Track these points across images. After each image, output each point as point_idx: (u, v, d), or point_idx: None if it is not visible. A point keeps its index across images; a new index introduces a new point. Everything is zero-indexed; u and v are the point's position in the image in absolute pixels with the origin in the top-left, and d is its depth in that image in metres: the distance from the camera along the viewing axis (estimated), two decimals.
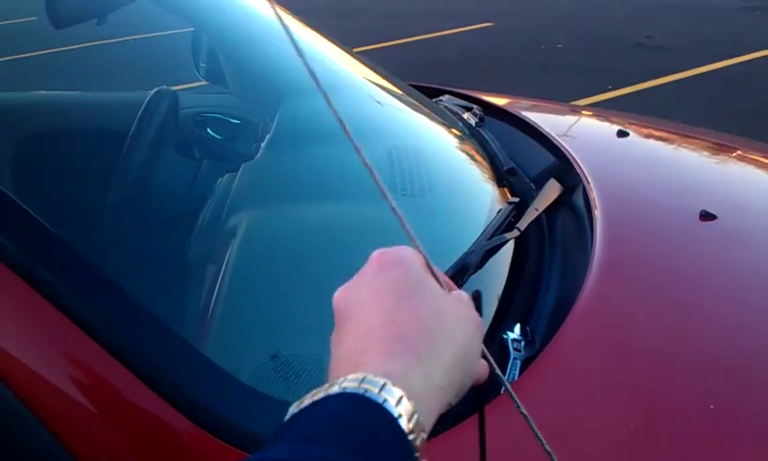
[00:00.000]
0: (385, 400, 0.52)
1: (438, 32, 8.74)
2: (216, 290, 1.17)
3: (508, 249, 1.41)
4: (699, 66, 6.94)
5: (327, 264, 1.27)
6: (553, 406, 1.06)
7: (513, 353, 1.17)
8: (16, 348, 0.86)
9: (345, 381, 0.54)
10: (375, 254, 0.65)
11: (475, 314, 0.66)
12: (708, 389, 1.09)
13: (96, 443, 0.87)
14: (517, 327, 1.22)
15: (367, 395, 0.52)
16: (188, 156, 1.97)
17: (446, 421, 1.01)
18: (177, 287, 1.29)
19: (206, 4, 2.25)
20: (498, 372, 0.69)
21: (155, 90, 1.86)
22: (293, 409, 0.54)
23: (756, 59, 7.18)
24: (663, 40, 8.00)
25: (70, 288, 0.88)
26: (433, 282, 0.65)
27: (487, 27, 9.11)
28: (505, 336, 1.20)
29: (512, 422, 1.00)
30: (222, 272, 1.21)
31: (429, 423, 0.55)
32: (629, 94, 6.27)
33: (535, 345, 1.19)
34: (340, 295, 0.65)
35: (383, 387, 0.53)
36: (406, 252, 0.66)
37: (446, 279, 0.67)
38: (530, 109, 2.17)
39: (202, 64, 2.34)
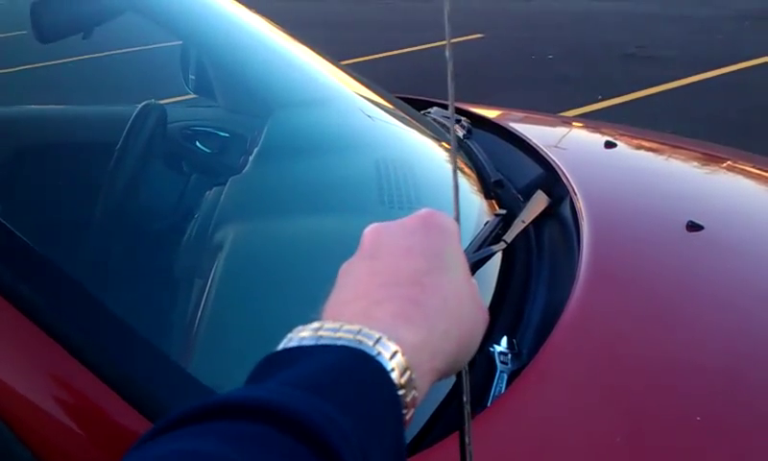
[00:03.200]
0: (379, 354, 0.51)
1: (428, 44, 8.76)
2: (202, 305, 1.17)
3: (495, 261, 1.40)
4: (688, 76, 6.98)
5: (313, 275, 1.27)
6: (540, 420, 1.06)
7: (500, 367, 1.17)
8: None
9: (340, 330, 0.53)
10: (424, 211, 0.64)
11: (485, 310, 0.65)
12: (695, 400, 1.09)
13: None
14: (504, 340, 1.22)
15: (361, 347, 0.51)
16: (176, 169, 1.97)
17: (430, 436, 1.01)
18: (161, 303, 1.29)
19: (195, 17, 2.25)
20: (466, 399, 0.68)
21: (142, 104, 1.86)
22: (284, 344, 0.53)
23: (745, 69, 7.21)
24: (653, 51, 8.04)
25: (52, 305, 0.88)
26: (464, 263, 0.64)
27: (477, 38, 9.14)
28: (492, 349, 1.19)
29: (500, 435, 1.00)
30: (208, 286, 1.20)
31: (420, 391, 0.54)
32: (619, 104, 6.29)
33: (522, 357, 1.19)
34: (373, 230, 0.64)
35: (378, 340, 0.52)
36: (452, 223, 0.65)
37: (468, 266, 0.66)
38: (518, 120, 2.17)
39: (191, 77, 2.34)
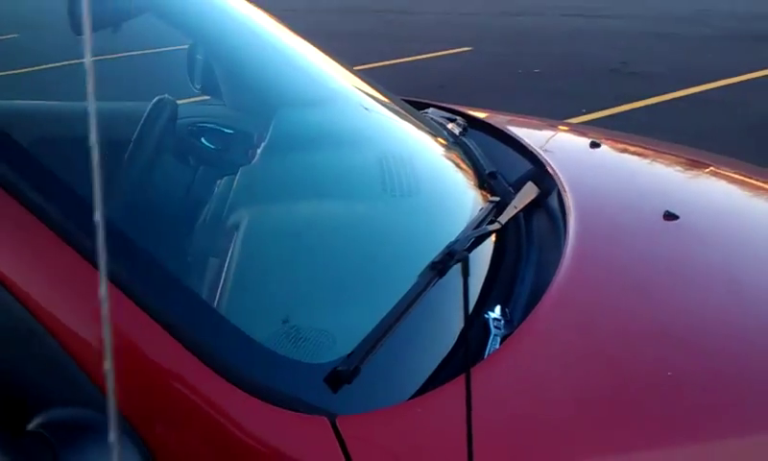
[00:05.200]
0: None
1: (417, 56, 8.93)
2: (226, 271, 1.30)
3: (490, 243, 1.54)
4: (671, 92, 7.16)
5: (326, 245, 1.42)
6: (527, 374, 1.20)
7: (493, 330, 1.31)
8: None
9: None
10: None
11: None
12: (666, 359, 1.23)
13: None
14: (498, 309, 1.36)
15: None
16: (191, 157, 2.09)
17: (436, 380, 1.15)
18: (197, 267, 1.42)
19: (205, 18, 2.37)
20: None
21: (156, 99, 1.98)
22: None
23: (726, 85, 7.41)
24: (638, 67, 8.24)
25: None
26: None
27: (465, 51, 9.32)
28: (487, 316, 1.33)
29: (495, 383, 1.14)
30: (231, 255, 1.34)
31: None
32: (602, 118, 6.46)
33: (512, 323, 1.33)
34: None
35: None
36: None
37: None
38: (508, 122, 2.32)
39: (197, 75, 2.45)
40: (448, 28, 10.73)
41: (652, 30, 10.24)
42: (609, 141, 2.19)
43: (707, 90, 7.22)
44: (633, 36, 9.91)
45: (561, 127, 2.48)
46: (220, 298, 1.19)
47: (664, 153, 2.20)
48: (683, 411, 1.15)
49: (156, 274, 1.09)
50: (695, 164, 2.09)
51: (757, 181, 1.99)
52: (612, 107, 6.77)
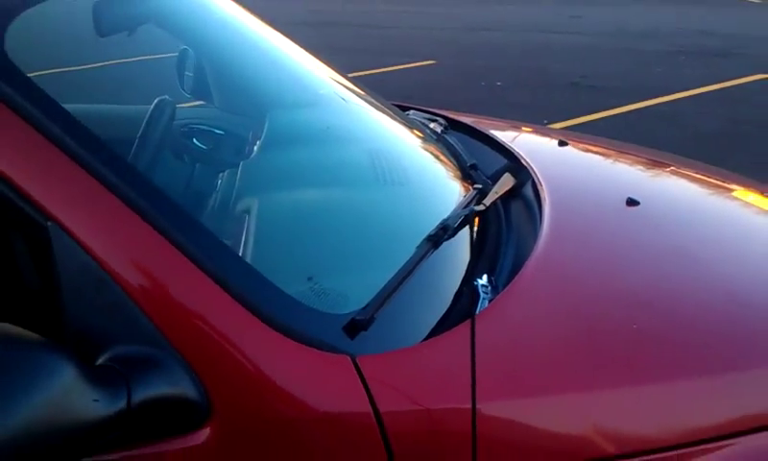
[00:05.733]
0: None
1: (382, 68, 9.15)
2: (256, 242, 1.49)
3: (475, 224, 1.75)
4: (627, 104, 7.47)
5: (339, 223, 1.62)
6: (510, 328, 1.40)
7: (482, 294, 1.51)
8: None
9: None
10: None
11: None
12: (631, 315, 1.44)
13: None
14: (485, 277, 1.56)
15: None
16: (187, 152, 2.27)
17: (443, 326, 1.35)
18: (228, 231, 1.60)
19: (199, 25, 2.53)
20: None
21: (157, 99, 2.16)
22: None
23: (679, 99, 7.74)
24: (596, 81, 8.55)
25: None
26: None
27: (429, 64, 9.56)
28: (475, 282, 1.53)
29: (495, 330, 1.34)
30: (258, 230, 1.53)
31: None
32: (563, 128, 6.73)
33: (498, 289, 1.53)
34: None
35: None
36: None
37: None
38: (482, 124, 2.53)
39: (188, 75, 2.59)
40: (413, 42, 10.99)
41: (610, 45, 10.60)
42: (573, 141, 2.41)
43: (660, 103, 7.54)
44: (590, 52, 10.25)
45: (527, 128, 2.70)
46: (258, 263, 1.38)
47: (623, 151, 2.43)
48: (644, 356, 1.36)
49: (217, 244, 1.29)
50: (653, 160, 2.32)
51: (707, 175, 2.24)
52: (572, 118, 7.05)
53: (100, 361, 1.15)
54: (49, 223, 1.15)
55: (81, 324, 1.16)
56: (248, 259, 1.41)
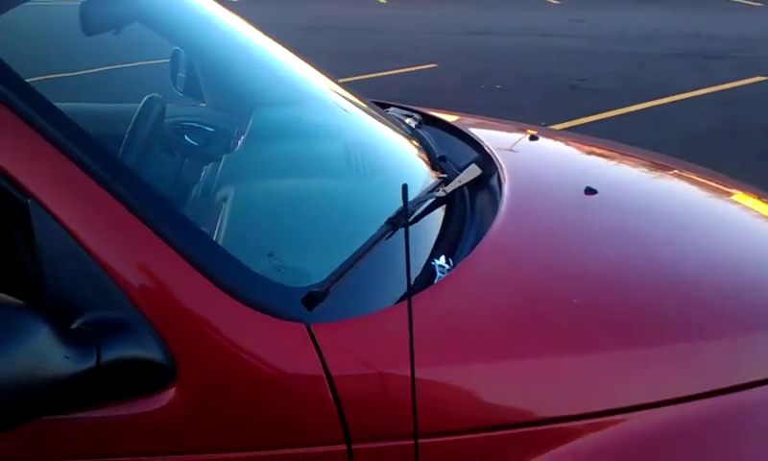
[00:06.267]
0: None
1: (383, 72, 9.27)
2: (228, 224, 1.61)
3: (440, 212, 1.86)
4: (623, 107, 7.58)
5: (304, 206, 1.74)
6: (457, 301, 1.51)
7: (438, 274, 1.62)
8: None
9: None
10: None
11: None
12: (574, 290, 1.55)
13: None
14: (442, 258, 1.67)
15: None
16: (177, 146, 2.38)
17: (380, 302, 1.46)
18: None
19: (191, 27, 2.65)
20: None
21: (147, 97, 2.27)
22: None
23: (677, 101, 7.84)
24: (595, 84, 8.64)
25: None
26: None
27: (430, 68, 9.67)
28: (433, 263, 1.64)
29: (443, 302, 1.45)
30: (229, 213, 1.65)
31: None
32: (560, 130, 6.83)
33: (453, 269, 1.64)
34: None
35: None
36: None
37: None
38: (458, 120, 2.64)
39: (180, 76, 2.71)
40: (413, 46, 11.11)
41: (610, 49, 10.69)
42: (546, 135, 2.52)
43: (655, 106, 7.65)
44: (589, 55, 10.35)
45: (505, 124, 2.82)
46: (225, 242, 1.49)
47: (593, 145, 2.54)
48: (583, 326, 1.48)
49: (189, 224, 1.41)
50: (618, 154, 2.43)
51: (677, 169, 2.35)
52: (570, 120, 7.15)
53: (74, 325, 1.26)
54: (29, 200, 1.26)
55: (58, 292, 1.28)
56: (219, 240, 1.53)
